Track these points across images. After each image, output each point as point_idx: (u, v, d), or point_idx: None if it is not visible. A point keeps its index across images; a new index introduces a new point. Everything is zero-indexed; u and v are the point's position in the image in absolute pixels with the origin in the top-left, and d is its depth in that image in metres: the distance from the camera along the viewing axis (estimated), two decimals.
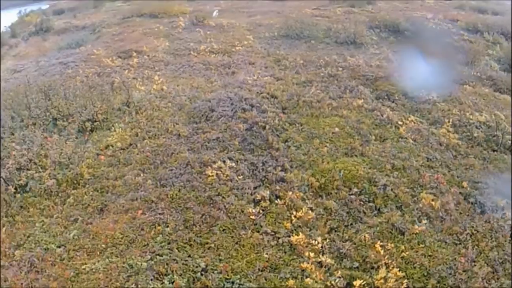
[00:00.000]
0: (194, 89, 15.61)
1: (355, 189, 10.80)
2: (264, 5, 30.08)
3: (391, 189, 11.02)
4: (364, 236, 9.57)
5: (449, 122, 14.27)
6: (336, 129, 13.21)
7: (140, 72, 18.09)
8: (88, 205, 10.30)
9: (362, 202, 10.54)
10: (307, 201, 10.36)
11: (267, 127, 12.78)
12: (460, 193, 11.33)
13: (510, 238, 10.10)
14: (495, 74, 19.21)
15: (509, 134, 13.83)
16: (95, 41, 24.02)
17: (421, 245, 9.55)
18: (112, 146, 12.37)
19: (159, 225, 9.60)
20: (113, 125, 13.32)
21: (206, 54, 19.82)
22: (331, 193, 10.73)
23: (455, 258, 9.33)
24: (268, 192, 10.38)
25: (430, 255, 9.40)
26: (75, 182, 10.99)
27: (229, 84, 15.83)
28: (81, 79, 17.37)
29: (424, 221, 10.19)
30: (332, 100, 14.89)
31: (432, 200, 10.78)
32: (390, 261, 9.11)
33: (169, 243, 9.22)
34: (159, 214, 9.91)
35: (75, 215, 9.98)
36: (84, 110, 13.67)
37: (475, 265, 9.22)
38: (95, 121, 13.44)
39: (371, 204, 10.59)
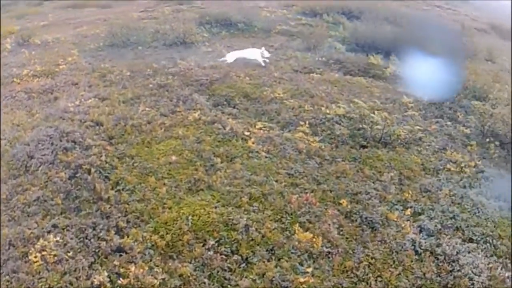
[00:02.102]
0: (15, 128, 14.37)
1: (211, 241, 9.96)
2: (91, 13, 30.06)
3: (256, 229, 10.28)
4: None
5: (304, 122, 14.08)
6: (173, 157, 12.45)
7: None
8: None
9: (224, 257, 9.69)
10: (156, 269, 9.40)
11: (93, 170, 11.91)
12: (339, 212, 11.05)
13: (416, 256, 10.09)
14: (342, 56, 20.06)
15: (379, 123, 14.00)
16: None
17: None
18: None
19: None
20: None
21: (29, 79, 18.52)
22: (183, 252, 9.84)
23: None
24: (105, 273, 9.26)
25: None
26: None
27: (51, 115, 14.82)
28: None
29: (308, 264, 9.61)
30: (164, 117, 14.39)
31: (309, 230, 10.32)
32: None
33: None
34: None
35: None
36: None
37: None
38: None
39: (236, 256, 9.74)
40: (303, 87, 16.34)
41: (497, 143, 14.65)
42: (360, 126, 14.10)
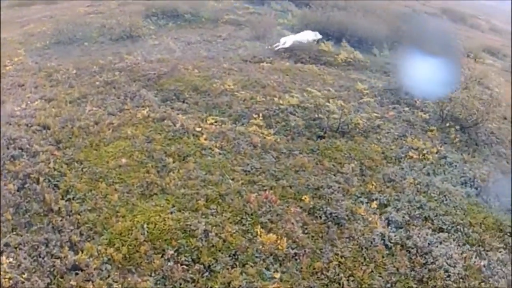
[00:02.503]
0: None
1: (170, 251, 9.41)
2: (38, 11, 29.11)
3: (216, 234, 9.77)
4: None
5: (257, 114, 13.67)
6: (123, 159, 11.89)
7: None
8: None
9: (185, 267, 9.17)
10: (115, 286, 8.94)
11: (41, 179, 11.27)
12: (302, 209, 10.65)
13: (387, 251, 9.84)
14: (292, 44, 19.55)
15: (335, 112, 13.75)
16: None
17: None
18: None
19: None
20: None
21: None
22: (141, 265, 9.32)
23: None
24: None
25: None
26: None
27: None
28: None
29: (275, 269, 9.19)
30: (112, 116, 13.79)
31: (271, 231, 9.89)
32: None
33: None
34: None
35: None
36: None
37: None
38: None
39: (197, 265, 9.23)
40: (253, 77, 16.00)
41: (457, 127, 14.62)
42: (316, 116, 13.81)
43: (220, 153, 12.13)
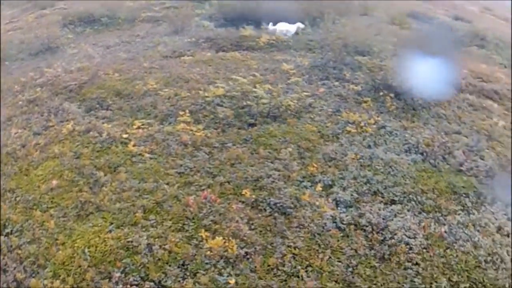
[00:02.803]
0: None
1: (117, 273, 8.86)
2: None
3: (160, 246, 9.23)
4: None
5: (183, 111, 13.15)
6: (54, 181, 11.19)
7: None
8: None
9: (134, 286, 8.72)
10: None
11: None
12: (244, 204, 10.17)
13: (341, 234, 9.46)
14: (212, 34, 19.55)
15: (264, 97, 13.35)
16: None
17: None
18: None
19: None
20: None
21: None
22: None
23: None
24: None
25: None
26: None
27: None
28: None
29: (228, 273, 8.70)
30: (38, 136, 13.08)
31: (217, 233, 9.37)
32: None
33: None
34: None
35: None
36: None
37: None
38: None
39: (148, 283, 8.72)
40: (176, 73, 15.48)
41: (392, 95, 14.37)
42: (244, 103, 13.35)
43: (151, 158, 11.57)
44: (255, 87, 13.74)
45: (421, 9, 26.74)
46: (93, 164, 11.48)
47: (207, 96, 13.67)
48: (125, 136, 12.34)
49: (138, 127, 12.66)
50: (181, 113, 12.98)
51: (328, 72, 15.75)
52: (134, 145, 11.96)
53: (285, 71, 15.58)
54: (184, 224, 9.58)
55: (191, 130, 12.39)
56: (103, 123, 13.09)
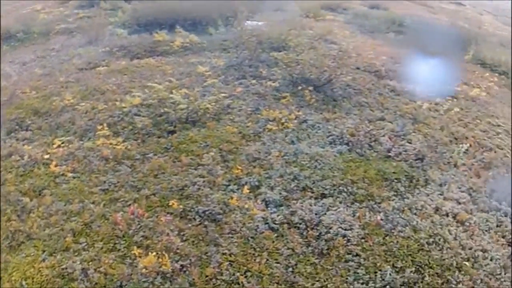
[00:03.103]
0: None
1: None
2: None
3: (95, 270, 8.65)
4: None
5: (101, 124, 12.55)
6: None
7: None
8: None
9: None
10: None
11: None
12: (173, 216, 9.70)
13: (275, 235, 9.22)
14: (126, 41, 18.97)
15: (181, 103, 12.99)
16: None
17: None
18: None
19: None
20: None
21: None
22: None
23: None
24: None
25: None
26: None
27: None
28: None
29: None
30: None
31: (149, 249, 8.89)
32: None
33: None
34: None
35: None
36: None
37: None
38: None
39: None
40: (92, 85, 14.82)
41: (310, 88, 14.29)
42: (162, 110, 12.90)
43: (74, 177, 10.92)
44: (171, 92, 13.38)
45: (335, 1, 26.97)
46: (18, 189, 10.76)
47: (124, 107, 13.14)
48: (46, 156, 11.69)
49: (59, 146, 12.00)
50: (99, 127, 12.38)
51: (244, 70, 15.54)
52: (56, 165, 11.32)
53: (200, 73, 15.26)
54: (115, 243, 9.07)
55: (111, 144, 11.84)
56: (23, 145, 12.31)
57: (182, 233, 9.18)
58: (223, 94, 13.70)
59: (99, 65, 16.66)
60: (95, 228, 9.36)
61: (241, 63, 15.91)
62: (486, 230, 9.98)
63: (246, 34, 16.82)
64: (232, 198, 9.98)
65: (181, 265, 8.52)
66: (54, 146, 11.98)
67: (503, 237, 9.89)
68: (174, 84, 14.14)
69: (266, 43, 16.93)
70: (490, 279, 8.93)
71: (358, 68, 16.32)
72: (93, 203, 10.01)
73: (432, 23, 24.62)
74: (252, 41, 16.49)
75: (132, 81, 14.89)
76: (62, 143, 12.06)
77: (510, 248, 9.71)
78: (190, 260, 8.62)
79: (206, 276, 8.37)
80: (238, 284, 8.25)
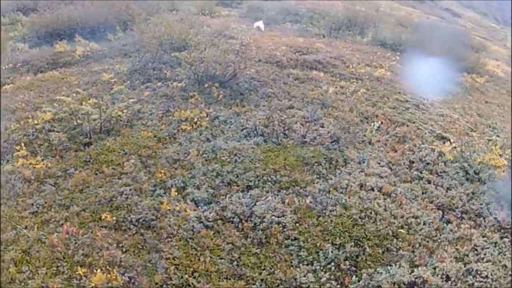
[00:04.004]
0: None
1: None
2: None
3: None
4: None
5: (18, 145, 11.93)
6: None
7: None
8: None
9: None
10: None
11: None
12: (108, 229, 9.49)
13: (211, 232, 9.29)
14: (28, 55, 18.16)
15: (93, 113, 12.63)
16: None
17: None
18: None
19: None
20: None
21: None
22: None
23: None
24: None
25: None
26: None
27: None
28: None
29: None
30: None
31: (93, 267, 8.65)
32: None
33: None
34: None
35: None
36: None
37: None
38: None
39: None
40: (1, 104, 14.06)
41: (217, 85, 14.41)
42: (75, 123, 12.55)
43: (1, 204, 10.33)
44: (81, 104, 13.01)
45: None
46: None
47: (36, 124, 12.66)
48: None
49: None
50: (17, 147, 11.82)
51: (148, 74, 15.46)
52: None
53: (106, 81, 15.02)
54: (57, 266, 8.74)
55: (31, 164, 11.35)
56: None
57: (121, 245, 9.04)
58: (132, 100, 13.53)
59: (5, 83, 15.89)
60: (35, 254, 8.98)
61: (145, 67, 15.81)
62: (413, 198, 10.64)
63: (146, 36, 16.58)
64: (162, 202, 9.94)
65: (129, 277, 8.40)
66: None
67: (431, 202, 10.59)
68: (82, 94, 13.79)
69: (167, 44, 16.86)
70: (428, 241, 9.56)
71: (260, 61, 16.55)
72: (26, 227, 9.58)
73: (328, 10, 25.25)
74: (153, 43, 16.35)
75: (40, 96, 14.38)
76: None
77: (440, 211, 10.40)
78: (136, 270, 8.53)
79: (156, 284, 8.34)
80: (189, 285, 8.31)
